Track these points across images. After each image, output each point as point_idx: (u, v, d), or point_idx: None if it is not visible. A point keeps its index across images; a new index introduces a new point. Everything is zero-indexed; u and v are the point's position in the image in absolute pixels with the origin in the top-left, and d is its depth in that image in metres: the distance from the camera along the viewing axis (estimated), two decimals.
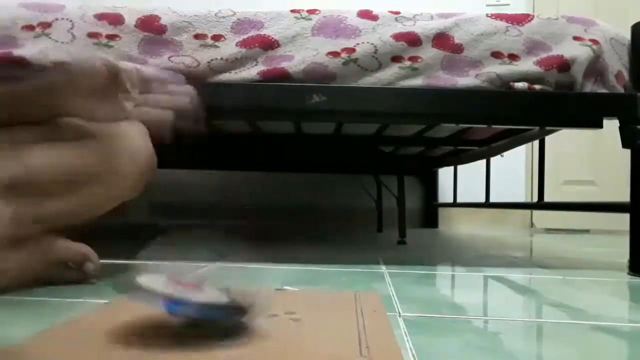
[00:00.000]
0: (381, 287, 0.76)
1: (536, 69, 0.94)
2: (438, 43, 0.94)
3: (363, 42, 0.93)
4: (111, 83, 0.68)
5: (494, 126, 1.08)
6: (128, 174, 0.72)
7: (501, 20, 0.96)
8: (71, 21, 0.93)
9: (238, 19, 0.95)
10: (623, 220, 1.05)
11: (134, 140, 0.74)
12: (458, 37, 0.95)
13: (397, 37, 0.93)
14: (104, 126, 0.73)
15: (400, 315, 0.57)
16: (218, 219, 2.45)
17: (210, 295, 0.45)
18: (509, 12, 0.99)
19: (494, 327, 0.54)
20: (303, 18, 0.95)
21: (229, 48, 0.93)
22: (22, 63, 0.90)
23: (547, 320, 0.58)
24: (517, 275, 0.92)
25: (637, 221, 0.96)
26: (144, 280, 0.43)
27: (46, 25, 0.93)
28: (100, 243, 0.87)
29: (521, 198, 2.51)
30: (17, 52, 0.91)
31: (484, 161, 1.96)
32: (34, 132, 0.68)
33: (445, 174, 2.54)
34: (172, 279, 0.46)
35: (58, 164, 0.67)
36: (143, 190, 0.77)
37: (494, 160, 2.10)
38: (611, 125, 1.02)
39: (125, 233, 1.75)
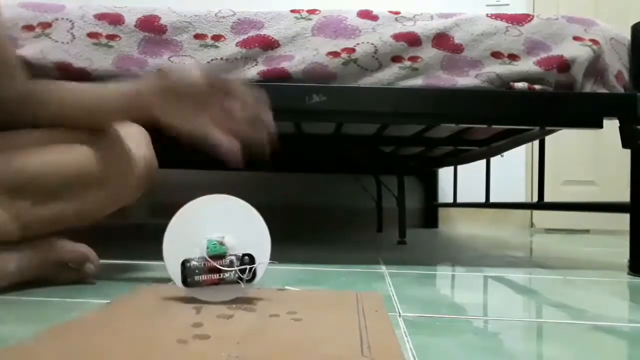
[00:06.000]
0: (381, 287, 0.76)
1: (536, 69, 0.94)
2: (438, 43, 0.94)
3: (363, 42, 0.93)
4: (207, 96, 0.67)
5: (494, 126, 1.08)
6: (130, 177, 0.72)
7: (501, 20, 0.96)
8: (71, 21, 0.93)
9: (238, 19, 0.95)
10: (623, 220, 1.05)
11: (136, 144, 0.74)
12: (458, 37, 0.95)
13: (397, 37, 0.93)
14: (107, 129, 0.73)
15: (400, 315, 0.57)
16: None
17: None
18: (509, 12, 0.99)
19: (494, 327, 0.54)
20: (303, 18, 0.95)
21: (229, 48, 0.93)
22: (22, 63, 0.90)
23: (547, 320, 0.58)
24: (517, 275, 0.92)
25: (637, 221, 0.96)
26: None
27: (46, 25, 0.93)
28: (100, 243, 0.87)
29: (521, 198, 2.51)
30: (17, 52, 0.91)
31: (484, 161, 1.96)
32: (35, 135, 0.68)
33: (445, 174, 2.54)
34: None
35: (60, 167, 0.67)
36: (144, 193, 0.77)
37: (494, 160, 2.10)
38: (611, 125, 1.02)
39: (125, 233, 1.75)
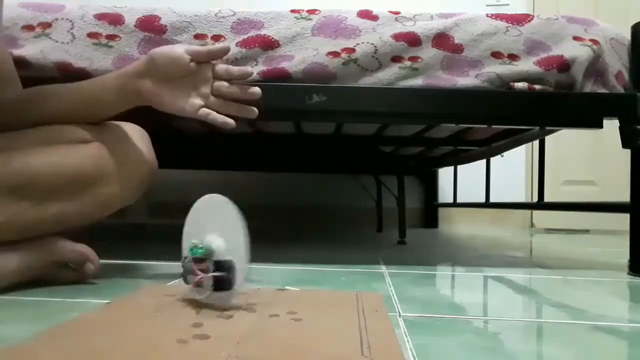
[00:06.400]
0: (381, 287, 0.76)
1: (536, 69, 0.94)
2: (438, 43, 0.94)
3: (363, 42, 0.93)
4: (191, 73, 0.69)
5: (494, 126, 1.08)
6: (130, 177, 0.72)
7: (501, 20, 0.96)
8: (71, 21, 0.93)
9: (238, 19, 0.95)
10: (623, 220, 1.05)
11: (136, 145, 0.74)
12: (458, 37, 0.95)
13: (397, 37, 0.93)
14: (108, 130, 0.73)
15: (400, 315, 0.57)
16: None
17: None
18: (509, 12, 0.99)
19: (494, 327, 0.54)
20: (303, 18, 0.95)
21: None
22: (22, 63, 0.90)
23: (547, 320, 0.58)
24: (517, 275, 0.92)
25: (637, 221, 0.96)
26: None
27: (46, 25, 0.93)
28: (100, 243, 0.87)
29: (521, 198, 2.51)
30: (17, 52, 0.91)
31: (484, 161, 1.96)
32: (36, 136, 0.68)
33: (445, 174, 2.54)
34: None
35: (60, 168, 0.67)
36: (144, 193, 0.77)
37: (494, 160, 2.10)
38: (611, 125, 1.02)
39: (125, 233, 1.75)
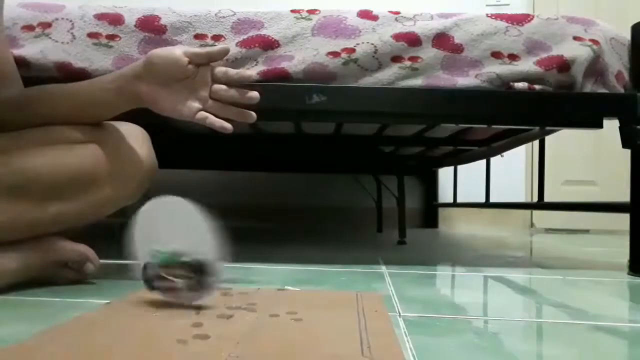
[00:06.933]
0: (381, 287, 0.76)
1: (536, 69, 0.94)
2: (438, 43, 0.94)
3: (363, 42, 0.93)
4: (189, 75, 0.68)
5: (494, 126, 1.08)
6: (130, 177, 0.72)
7: (501, 20, 0.96)
8: (71, 21, 0.93)
9: (238, 19, 0.95)
10: (623, 220, 1.05)
11: (136, 145, 0.74)
12: (458, 37, 0.95)
13: (397, 37, 0.93)
14: (107, 131, 0.73)
15: (400, 315, 0.57)
16: (218, 219, 2.45)
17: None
18: (509, 12, 0.99)
19: (494, 327, 0.54)
20: (303, 18, 0.95)
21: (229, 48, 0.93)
22: (22, 63, 0.90)
23: (547, 320, 0.58)
24: (517, 275, 0.92)
25: (637, 221, 0.96)
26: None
27: (46, 25, 0.93)
28: (100, 243, 0.87)
29: (521, 198, 2.51)
30: (17, 52, 0.91)
31: (484, 161, 1.96)
32: (36, 136, 0.68)
33: (445, 174, 2.54)
34: None
35: (60, 168, 0.67)
36: (144, 193, 0.77)
37: (494, 160, 2.10)
38: (611, 125, 1.02)
39: (125, 233, 1.74)
